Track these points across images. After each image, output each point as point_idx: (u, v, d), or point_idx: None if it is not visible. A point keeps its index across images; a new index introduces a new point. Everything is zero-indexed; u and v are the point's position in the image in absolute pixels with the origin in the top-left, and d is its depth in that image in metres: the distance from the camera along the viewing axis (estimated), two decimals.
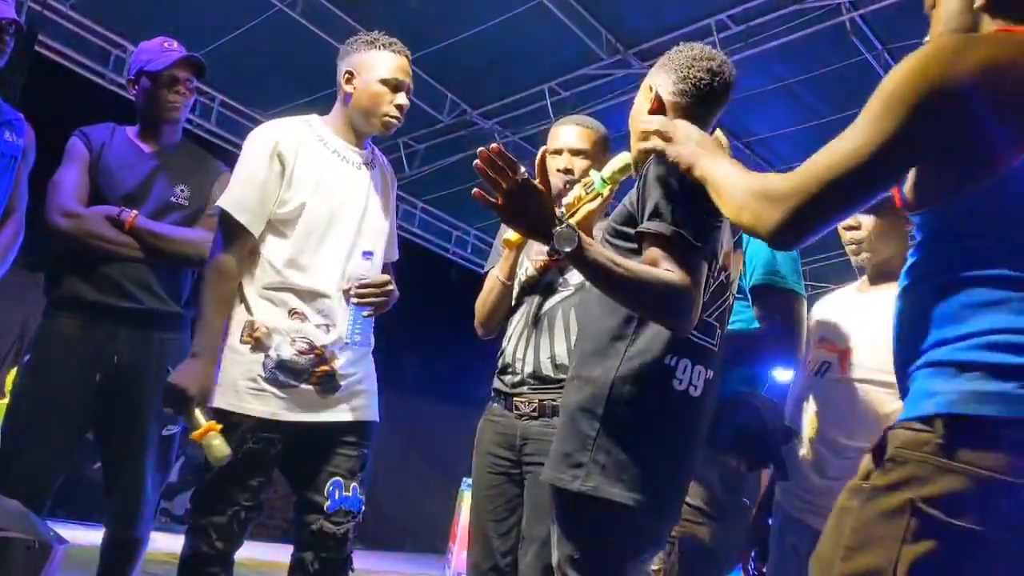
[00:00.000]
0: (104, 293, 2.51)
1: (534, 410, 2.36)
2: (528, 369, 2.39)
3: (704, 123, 1.74)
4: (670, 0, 5.82)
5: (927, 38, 1.42)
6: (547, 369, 2.37)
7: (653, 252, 1.60)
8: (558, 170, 2.38)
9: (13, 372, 4.42)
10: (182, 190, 2.65)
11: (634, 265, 1.59)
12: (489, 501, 2.42)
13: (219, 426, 2.06)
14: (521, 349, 2.42)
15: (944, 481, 1.14)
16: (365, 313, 2.22)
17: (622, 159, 2.00)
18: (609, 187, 2.03)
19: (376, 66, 2.27)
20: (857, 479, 1.27)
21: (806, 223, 1.31)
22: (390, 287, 2.24)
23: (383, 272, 2.35)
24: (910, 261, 1.35)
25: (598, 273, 1.59)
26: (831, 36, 5.70)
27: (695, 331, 1.66)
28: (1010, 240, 1.23)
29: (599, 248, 1.61)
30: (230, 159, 2.55)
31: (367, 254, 2.25)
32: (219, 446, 2.04)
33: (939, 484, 1.14)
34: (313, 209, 2.22)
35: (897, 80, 1.26)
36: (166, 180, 2.64)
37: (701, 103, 1.77)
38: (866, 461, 1.28)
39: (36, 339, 2.59)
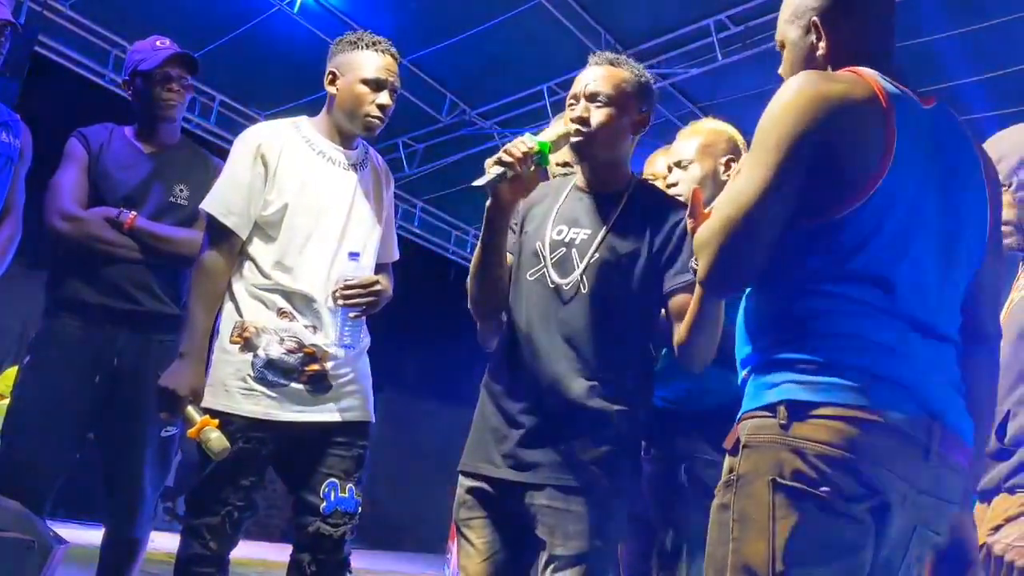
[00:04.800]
0: (105, 295, 2.51)
1: None
2: None
3: None
4: (669, 0, 5.81)
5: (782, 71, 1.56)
6: None
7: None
8: (558, 164, 2.38)
9: (11, 371, 4.42)
10: (181, 190, 2.64)
11: None
12: None
13: (215, 421, 2.06)
14: None
15: (791, 457, 1.30)
16: (352, 315, 2.19)
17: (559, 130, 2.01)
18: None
19: (358, 66, 2.24)
20: (723, 477, 1.40)
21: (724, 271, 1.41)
22: (377, 287, 2.20)
23: (379, 273, 2.34)
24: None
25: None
26: None
27: None
28: (845, 263, 1.37)
29: None
30: None
31: (353, 255, 2.22)
32: (217, 439, 2.03)
33: (789, 461, 1.30)
34: (296, 210, 2.21)
35: (774, 122, 1.37)
36: (165, 180, 2.64)
37: None
38: (727, 460, 1.41)
39: (37, 339, 2.59)
